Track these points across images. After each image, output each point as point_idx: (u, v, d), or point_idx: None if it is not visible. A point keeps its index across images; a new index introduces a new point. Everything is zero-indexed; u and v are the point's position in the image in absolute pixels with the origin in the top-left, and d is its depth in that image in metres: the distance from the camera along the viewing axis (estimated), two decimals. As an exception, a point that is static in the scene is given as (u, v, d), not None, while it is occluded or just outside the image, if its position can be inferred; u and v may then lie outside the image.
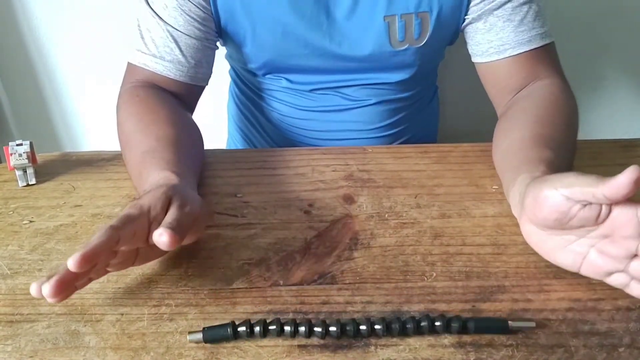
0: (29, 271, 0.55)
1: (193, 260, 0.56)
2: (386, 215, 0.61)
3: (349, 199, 0.64)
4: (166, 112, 0.67)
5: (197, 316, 0.50)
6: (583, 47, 1.17)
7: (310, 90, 0.82)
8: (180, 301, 0.51)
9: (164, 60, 0.71)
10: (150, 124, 0.65)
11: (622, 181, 0.41)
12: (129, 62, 0.74)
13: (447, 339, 0.47)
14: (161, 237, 0.45)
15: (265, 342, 0.47)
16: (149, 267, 0.55)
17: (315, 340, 0.47)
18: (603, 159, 0.70)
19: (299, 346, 0.47)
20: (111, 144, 0.75)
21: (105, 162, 0.72)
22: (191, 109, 0.77)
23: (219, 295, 0.52)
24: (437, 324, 0.47)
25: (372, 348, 0.47)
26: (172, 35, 0.70)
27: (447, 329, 0.47)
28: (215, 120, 1.09)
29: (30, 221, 0.62)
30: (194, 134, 0.69)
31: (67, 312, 0.50)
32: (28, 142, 0.67)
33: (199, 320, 0.49)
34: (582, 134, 1.27)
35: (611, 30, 1.14)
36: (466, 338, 0.47)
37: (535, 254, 0.55)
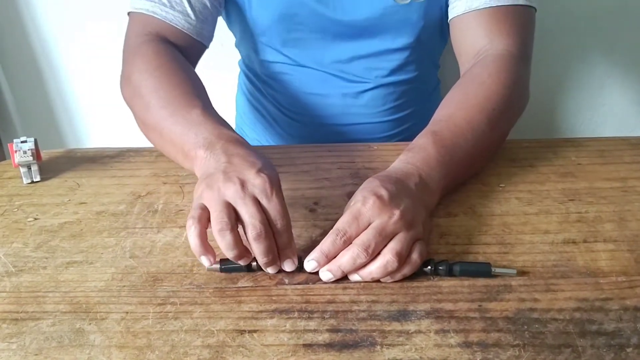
0: (33, 269, 0.55)
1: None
2: (392, 214, 0.61)
3: (354, 197, 0.63)
4: (189, 71, 0.68)
5: (202, 315, 0.50)
6: (589, 45, 1.16)
7: (314, 69, 0.82)
8: (185, 300, 0.51)
9: (174, 10, 0.71)
10: (182, 83, 0.65)
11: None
12: (131, 12, 0.73)
13: (453, 339, 0.47)
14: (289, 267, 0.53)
15: (271, 341, 0.47)
16: (154, 265, 0.55)
17: (320, 339, 0.47)
18: (610, 156, 0.70)
19: (304, 345, 0.47)
20: (115, 141, 0.75)
21: (110, 159, 0.72)
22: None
23: (224, 293, 0.52)
24: (427, 268, 0.53)
25: (378, 347, 0.46)
26: None
27: (435, 271, 0.53)
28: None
29: (35, 218, 0.62)
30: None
31: (72, 310, 0.50)
32: (32, 139, 0.67)
33: (204, 319, 0.49)
34: (589, 132, 1.26)
35: (617, 28, 1.13)
36: (473, 338, 0.47)
37: (542, 252, 0.55)
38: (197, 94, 0.64)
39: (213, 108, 0.64)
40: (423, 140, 0.60)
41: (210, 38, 0.77)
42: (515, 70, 0.67)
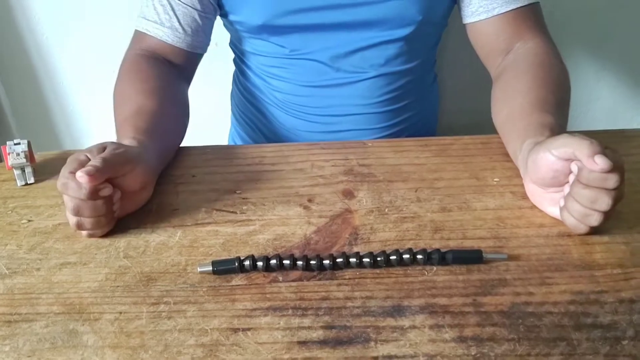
0: (27, 270, 0.55)
1: (191, 258, 0.55)
2: (386, 210, 0.61)
3: (348, 194, 0.63)
4: (156, 84, 0.72)
5: (195, 314, 0.49)
6: (585, 38, 1.16)
7: (310, 60, 0.82)
8: (178, 299, 0.51)
9: (164, 27, 0.76)
10: (137, 93, 0.70)
11: (596, 166, 0.51)
12: (135, 29, 0.79)
13: (448, 334, 0.47)
14: (81, 178, 0.53)
15: (265, 338, 0.47)
16: (148, 265, 0.55)
17: (315, 336, 0.47)
18: (605, 149, 0.69)
19: (299, 342, 0.47)
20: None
21: (104, 160, 0.71)
22: (189, 76, 0.82)
23: (217, 292, 0.52)
24: (419, 257, 0.53)
25: (372, 343, 0.46)
26: (170, 4, 0.75)
27: (428, 260, 0.53)
28: (217, 117, 1.08)
29: (29, 220, 0.62)
30: (179, 110, 0.74)
31: (65, 312, 0.50)
32: (26, 141, 0.67)
33: (198, 317, 0.49)
34: (585, 125, 1.26)
35: (613, 21, 1.13)
36: (467, 332, 0.47)
37: (536, 246, 0.55)
38: (139, 104, 0.68)
39: (143, 116, 0.67)
40: (548, 118, 0.62)
41: (204, 46, 0.81)
42: (556, 51, 0.74)
